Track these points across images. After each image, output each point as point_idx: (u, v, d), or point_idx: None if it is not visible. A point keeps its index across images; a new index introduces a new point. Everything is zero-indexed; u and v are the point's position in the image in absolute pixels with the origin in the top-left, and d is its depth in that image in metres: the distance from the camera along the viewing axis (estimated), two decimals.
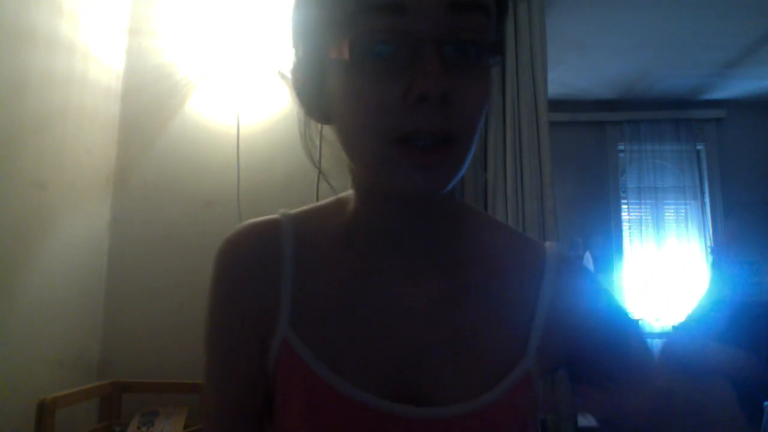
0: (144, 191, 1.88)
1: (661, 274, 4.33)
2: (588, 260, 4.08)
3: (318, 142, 0.60)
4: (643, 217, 4.46)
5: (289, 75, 1.82)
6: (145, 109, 1.92)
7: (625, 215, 4.50)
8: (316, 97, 0.53)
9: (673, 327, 3.54)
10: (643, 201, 4.47)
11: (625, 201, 4.51)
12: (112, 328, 1.80)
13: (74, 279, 1.69)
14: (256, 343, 0.57)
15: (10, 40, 1.41)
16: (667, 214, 4.48)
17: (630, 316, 0.59)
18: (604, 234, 4.41)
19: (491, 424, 0.52)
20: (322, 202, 0.63)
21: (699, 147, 4.51)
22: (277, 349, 0.55)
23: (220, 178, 1.88)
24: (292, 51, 0.55)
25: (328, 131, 0.55)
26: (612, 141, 4.50)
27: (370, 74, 0.45)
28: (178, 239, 1.83)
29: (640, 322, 4.13)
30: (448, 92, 0.43)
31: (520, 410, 0.54)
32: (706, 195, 4.45)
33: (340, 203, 0.61)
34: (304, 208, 0.62)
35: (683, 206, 4.48)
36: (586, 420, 2.46)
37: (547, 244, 0.61)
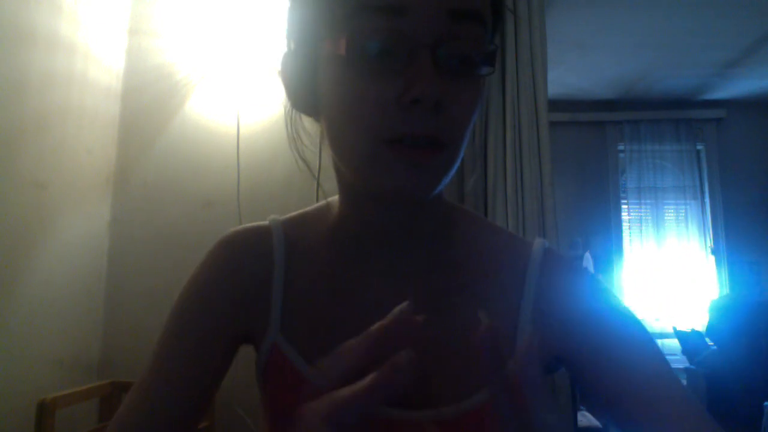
0: (144, 191, 1.88)
1: (661, 273, 4.33)
2: (588, 260, 4.08)
3: (304, 139, 0.60)
4: (643, 217, 4.47)
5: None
6: (145, 109, 1.92)
7: (625, 215, 4.51)
8: (305, 89, 0.52)
9: (674, 328, 3.54)
10: (643, 201, 4.48)
11: (625, 201, 4.51)
12: (112, 328, 1.80)
13: (74, 279, 1.69)
14: (226, 345, 0.57)
15: (10, 40, 1.41)
16: (667, 214, 4.48)
17: (628, 309, 0.55)
18: (604, 234, 4.41)
19: (482, 426, 0.52)
20: (310, 207, 0.64)
21: (699, 147, 4.51)
22: (267, 354, 0.56)
23: (220, 178, 1.88)
24: (285, 41, 0.55)
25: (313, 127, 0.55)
26: (612, 141, 4.51)
27: (365, 73, 0.45)
28: (178, 239, 1.83)
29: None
30: (441, 98, 0.44)
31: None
32: (706, 195, 4.45)
33: (327, 207, 0.61)
34: (293, 214, 0.63)
35: (683, 206, 4.49)
36: (586, 420, 2.46)
37: (536, 240, 0.60)
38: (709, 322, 3.24)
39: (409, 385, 0.51)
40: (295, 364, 0.54)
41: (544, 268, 0.57)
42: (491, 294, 0.56)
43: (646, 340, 0.53)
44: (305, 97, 0.53)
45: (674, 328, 3.51)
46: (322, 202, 0.63)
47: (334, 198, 0.60)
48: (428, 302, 0.55)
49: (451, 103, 0.45)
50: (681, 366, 3.23)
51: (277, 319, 0.56)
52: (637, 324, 0.54)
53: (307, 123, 0.58)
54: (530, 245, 0.59)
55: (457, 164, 0.49)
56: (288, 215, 0.63)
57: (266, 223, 0.61)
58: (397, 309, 0.40)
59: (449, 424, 0.51)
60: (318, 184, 0.62)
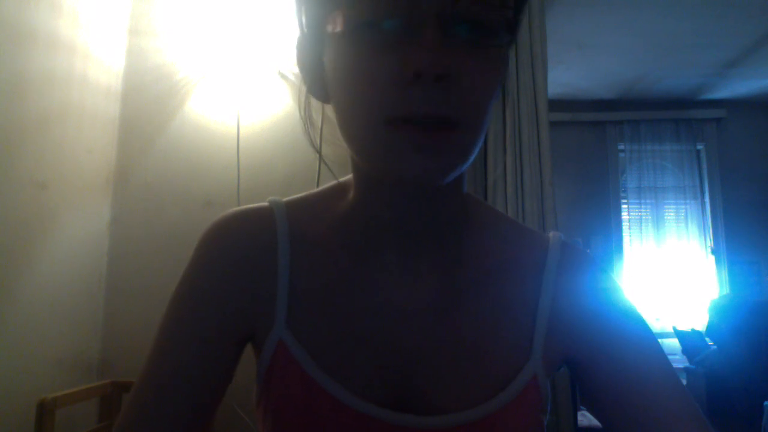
0: (144, 191, 1.88)
1: (661, 273, 4.33)
2: None
3: (319, 125, 0.58)
4: (643, 217, 4.47)
5: (289, 75, 1.79)
6: (145, 109, 1.92)
7: (625, 215, 4.51)
8: (316, 73, 0.50)
9: (674, 328, 3.54)
10: (643, 201, 4.47)
11: (625, 201, 4.51)
12: (112, 328, 1.80)
13: (74, 279, 1.69)
14: (231, 343, 0.53)
15: (10, 40, 1.41)
16: (667, 214, 4.48)
17: (636, 309, 0.54)
18: (604, 234, 4.41)
19: (500, 430, 0.50)
20: (315, 190, 0.59)
21: (699, 147, 4.51)
22: (272, 351, 0.52)
23: (220, 178, 1.88)
24: (296, 24, 0.52)
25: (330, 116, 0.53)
26: (612, 141, 4.50)
27: (365, 47, 0.42)
28: (178, 239, 1.82)
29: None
30: (446, 71, 0.39)
31: (528, 414, 0.51)
32: (706, 195, 4.45)
33: (337, 191, 0.56)
34: (297, 196, 0.58)
35: (683, 206, 4.48)
36: (586, 420, 2.46)
37: (551, 234, 0.57)
38: (709, 321, 3.23)
39: (419, 390, 0.50)
40: (302, 363, 0.50)
41: (562, 265, 0.55)
42: (508, 290, 0.54)
43: (648, 342, 0.52)
44: (317, 80, 0.50)
45: (674, 328, 3.51)
46: (329, 186, 0.58)
47: (344, 182, 0.56)
48: (443, 300, 0.52)
49: (463, 75, 0.41)
50: (681, 366, 3.23)
51: (283, 313, 0.52)
52: (641, 324, 0.53)
53: (318, 110, 0.56)
54: (547, 240, 0.57)
55: (477, 147, 0.45)
56: (290, 197, 0.58)
57: (266, 204, 0.56)
58: None
59: (464, 431, 0.49)
60: (318, 182, 0.59)
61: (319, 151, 0.57)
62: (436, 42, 0.39)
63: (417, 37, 0.40)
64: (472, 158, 0.46)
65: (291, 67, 1.94)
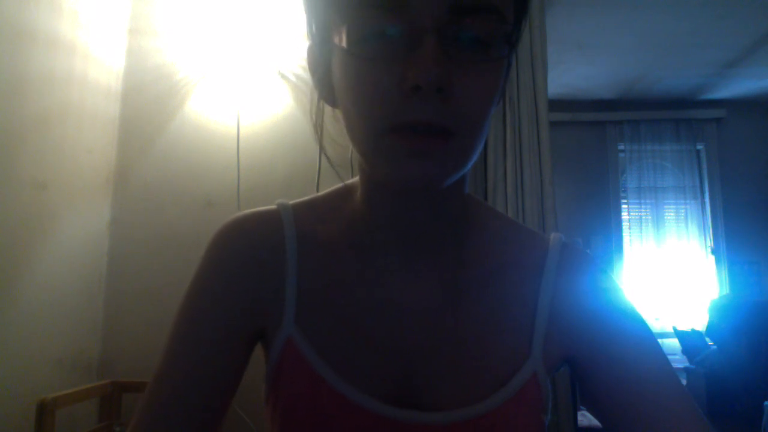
0: (144, 191, 1.88)
1: (661, 273, 4.33)
2: None
3: (327, 128, 0.59)
4: (643, 217, 4.46)
5: (289, 75, 1.79)
6: (145, 109, 1.92)
7: (625, 215, 4.50)
8: (325, 79, 0.52)
9: (674, 328, 3.54)
10: (643, 201, 4.47)
11: (625, 201, 4.51)
12: (112, 328, 1.80)
13: (74, 279, 1.69)
14: (242, 343, 0.54)
15: (10, 40, 1.41)
16: (667, 214, 4.48)
17: (635, 309, 0.55)
18: (604, 234, 4.41)
19: (500, 427, 0.51)
20: (324, 192, 0.61)
21: (699, 147, 4.51)
22: (280, 348, 0.53)
23: (220, 178, 1.88)
24: (306, 32, 0.54)
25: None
26: (612, 141, 4.50)
27: (367, 61, 0.44)
28: (178, 239, 1.83)
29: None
30: (444, 84, 0.41)
31: (528, 412, 0.52)
32: (706, 195, 4.45)
33: (343, 194, 0.58)
34: (305, 198, 0.60)
35: (683, 206, 4.48)
36: (586, 420, 2.46)
37: (552, 236, 0.58)
38: (709, 321, 3.23)
39: (419, 388, 0.51)
40: (310, 360, 0.52)
41: (561, 265, 0.56)
42: (508, 290, 0.55)
43: (648, 342, 0.53)
44: (326, 86, 0.52)
45: (674, 328, 3.51)
46: (335, 188, 0.60)
47: (350, 185, 0.58)
48: (444, 299, 0.53)
49: (460, 88, 0.43)
50: (681, 366, 3.23)
51: (292, 312, 0.53)
52: (641, 324, 0.54)
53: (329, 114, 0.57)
54: (547, 241, 0.58)
55: (474, 154, 0.47)
56: (297, 201, 0.60)
57: (274, 207, 0.58)
58: None
59: (465, 427, 0.50)
60: (318, 183, 0.61)
61: (324, 155, 0.59)
62: (434, 56, 0.41)
63: (416, 51, 0.42)
64: (471, 163, 0.47)
65: (291, 67, 1.94)
